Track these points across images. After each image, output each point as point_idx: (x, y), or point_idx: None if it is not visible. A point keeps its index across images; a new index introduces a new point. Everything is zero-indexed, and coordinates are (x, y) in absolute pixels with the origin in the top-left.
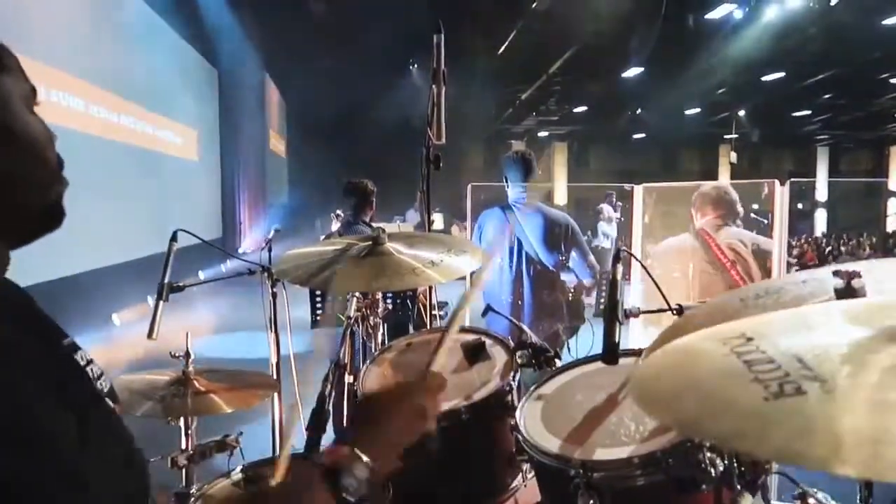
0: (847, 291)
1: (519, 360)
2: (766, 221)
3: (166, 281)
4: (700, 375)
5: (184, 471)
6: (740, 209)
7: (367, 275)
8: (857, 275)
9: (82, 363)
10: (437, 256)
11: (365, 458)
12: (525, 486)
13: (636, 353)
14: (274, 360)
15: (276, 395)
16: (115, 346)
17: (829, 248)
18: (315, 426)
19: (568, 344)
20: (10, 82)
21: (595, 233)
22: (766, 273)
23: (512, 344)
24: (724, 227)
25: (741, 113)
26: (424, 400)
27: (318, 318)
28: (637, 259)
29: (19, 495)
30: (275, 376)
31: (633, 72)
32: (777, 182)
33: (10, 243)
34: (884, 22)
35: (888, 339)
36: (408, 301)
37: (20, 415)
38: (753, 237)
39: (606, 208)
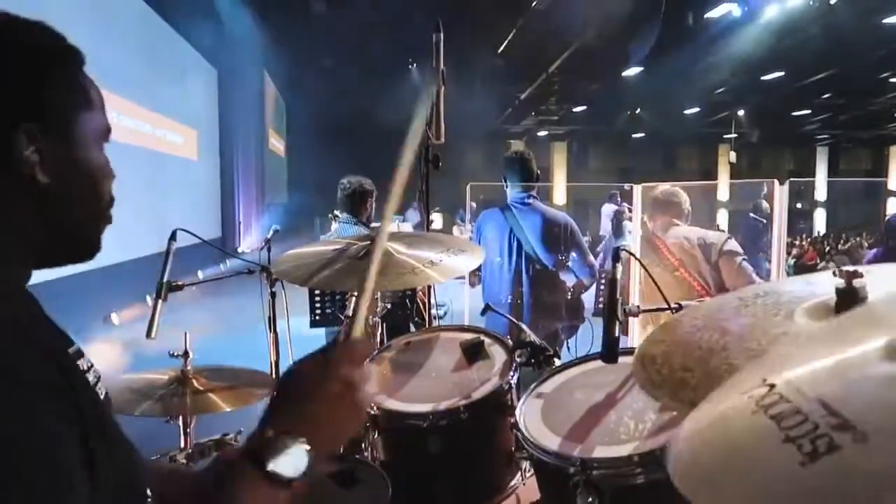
0: (848, 292)
1: (518, 359)
2: (764, 221)
3: (165, 280)
4: (737, 443)
5: None
6: (688, 208)
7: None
8: (858, 275)
9: (83, 369)
10: (436, 256)
11: (293, 437)
12: (524, 484)
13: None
14: (273, 358)
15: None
16: (114, 346)
17: (829, 247)
18: None
19: (567, 343)
20: (91, 118)
21: (620, 232)
22: (713, 267)
23: (511, 343)
24: (672, 227)
25: (741, 112)
26: (348, 373)
27: (318, 317)
28: (637, 258)
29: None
30: (273, 375)
31: (632, 71)
32: (776, 182)
33: (38, 262)
34: (884, 21)
35: None
36: (406, 300)
37: (27, 430)
38: (700, 232)
39: (616, 208)
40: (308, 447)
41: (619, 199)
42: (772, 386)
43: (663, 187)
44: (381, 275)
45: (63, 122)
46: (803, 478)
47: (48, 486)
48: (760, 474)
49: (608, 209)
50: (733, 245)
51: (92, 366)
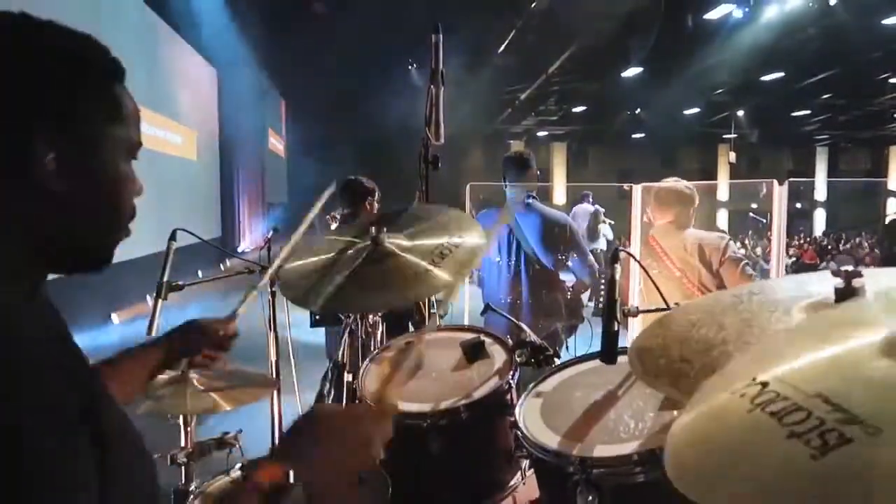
0: (847, 291)
1: (518, 359)
2: (764, 221)
3: (165, 280)
4: (737, 441)
5: (183, 468)
6: (695, 204)
7: (373, 289)
8: (857, 274)
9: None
10: (439, 243)
11: (299, 484)
12: (524, 483)
13: None
14: (273, 358)
15: (275, 393)
16: (114, 345)
17: (828, 247)
18: None
19: (566, 343)
20: (118, 130)
21: (595, 235)
22: (709, 268)
23: (511, 343)
24: (676, 232)
25: (740, 113)
26: (372, 429)
27: (318, 317)
28: (636, 259)
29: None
30: (274, 375)
31: (632, 71)
32: (776, 182)
33: (51, 270)
34: (883, 22)
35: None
36: None
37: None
38: (695, 237)
39: (595, 209)
40: (309, 495)
41: (591, 199)
42: (764, 384)
43: (671, 181)
44: (388, 287)
45: (87, 132)
46: (817, 470)
47: (62, 481)
48: (768, 470)
49: (582, 209)
50: (733, 250)
51: None
